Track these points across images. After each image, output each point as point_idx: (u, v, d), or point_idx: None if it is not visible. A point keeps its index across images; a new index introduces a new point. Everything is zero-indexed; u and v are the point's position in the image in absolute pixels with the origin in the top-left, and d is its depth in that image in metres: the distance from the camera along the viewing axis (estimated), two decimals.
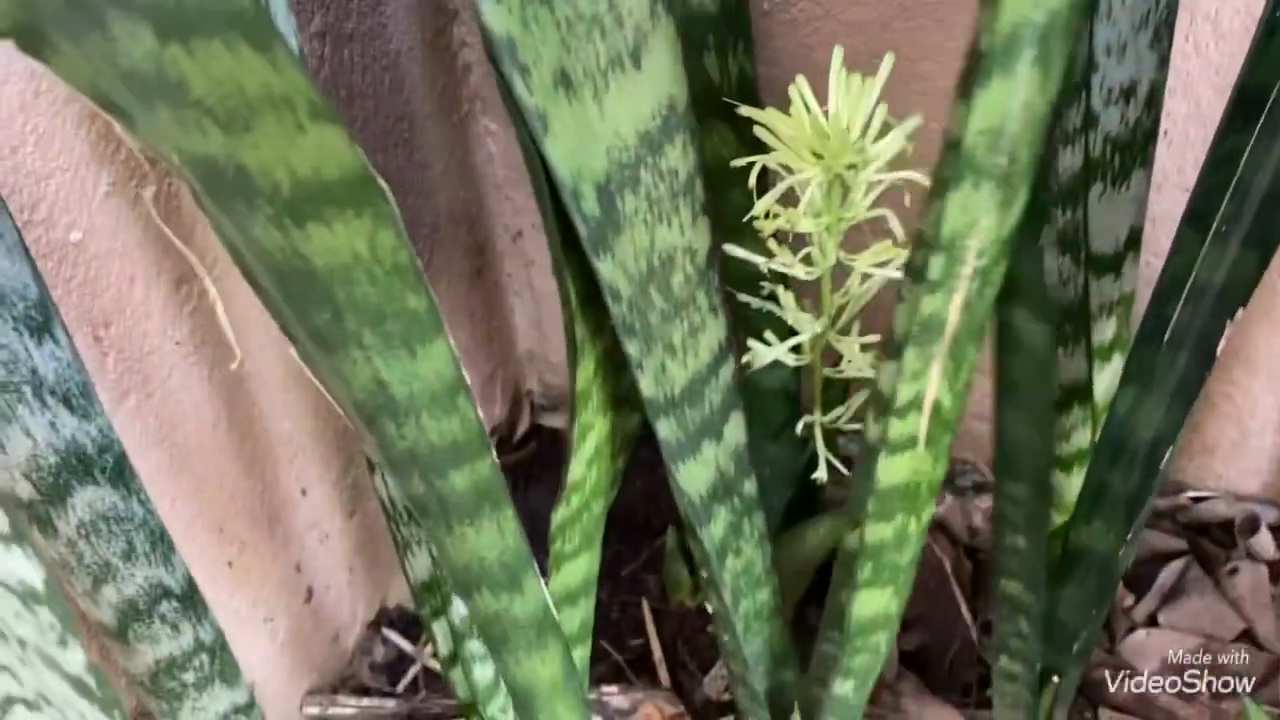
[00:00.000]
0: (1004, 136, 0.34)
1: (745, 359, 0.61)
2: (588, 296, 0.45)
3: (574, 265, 0.44)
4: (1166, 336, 0.53)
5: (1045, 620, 0.60)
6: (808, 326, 0.59)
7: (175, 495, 0.60)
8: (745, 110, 0.47)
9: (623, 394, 0.51)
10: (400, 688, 0.76)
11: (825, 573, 0.78)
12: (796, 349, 0.62)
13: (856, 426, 0.67)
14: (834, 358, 0.62)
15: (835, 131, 0.47)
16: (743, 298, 0.61)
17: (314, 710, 0.72)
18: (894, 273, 0.55)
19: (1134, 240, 0.60)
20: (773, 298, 0.60)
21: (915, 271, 0.39)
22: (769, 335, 0.61)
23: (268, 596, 0.68)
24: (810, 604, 0.79)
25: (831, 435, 0.70)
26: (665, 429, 0.48)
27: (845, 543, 0.51)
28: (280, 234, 0.30)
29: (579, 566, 0.54)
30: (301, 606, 0.71)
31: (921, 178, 0.50)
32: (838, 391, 0.69)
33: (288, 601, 0.70)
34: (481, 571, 0.41)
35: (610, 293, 0.43)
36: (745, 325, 0.64)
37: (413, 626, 0.80)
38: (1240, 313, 0.51)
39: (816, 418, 0.65)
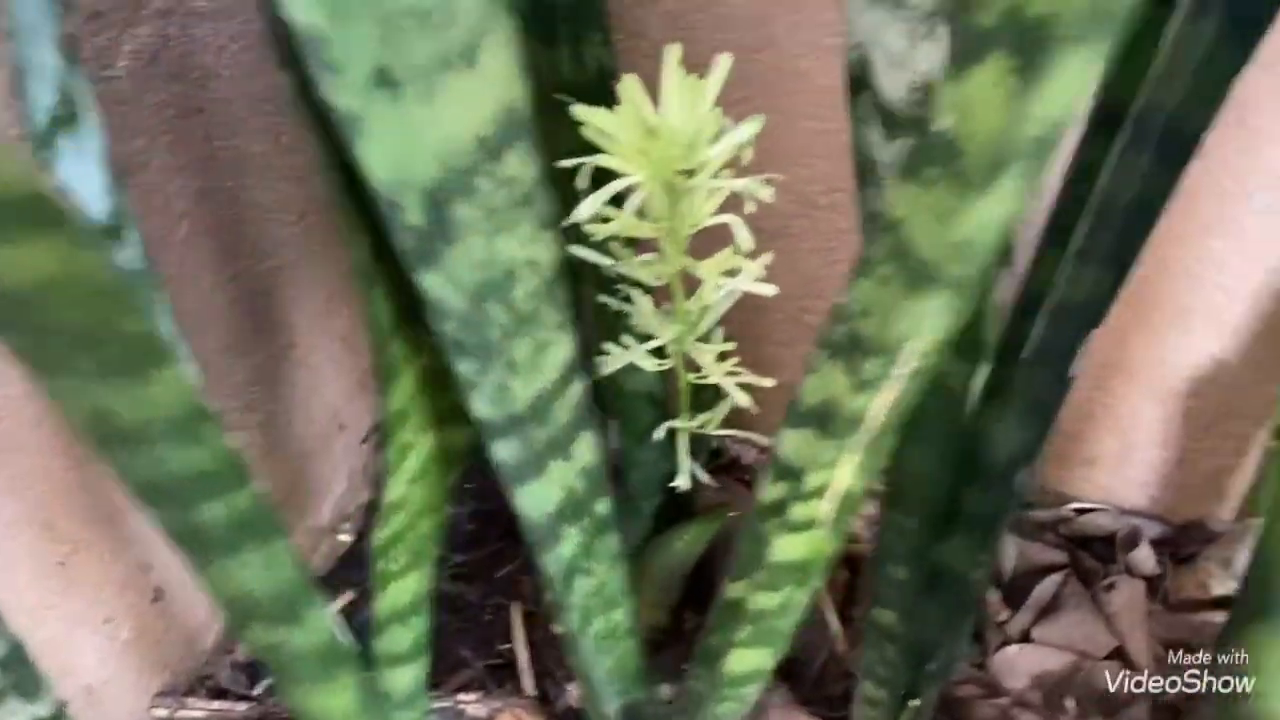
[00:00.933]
0: (974, 249, 0.32)
1: (596, 360, 0.59)
2: (403, 314, 0.43)
3: (389, 280, 0.41)
4: (1027, 353, 0.51)
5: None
6: (661, 331, 0.57)
7: None
8: (576, 109, 0.44)
9: (449, 410, 0.48)
10: (259, 689, 0.73)
11: (703, 572, 0.77)
12: (658, 353, 0.60)
13: (726, 433, 0.65)
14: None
15: (663, 133, 0.44)
16: (602, 299, 0.58)
17: (162, 712, 0.70)
18: (749, 285, 0.52)
19: (1004, 249, 0.58)
20: (630, 300, 0.58)
21: (831, 346, 0.38)
22: (626, 338, 0.59)
23: (108, 597, 0.65)
24: (687, 607, 0.77)
25: (704, 438, 0.68)
26: (504, 450, 0.46)
27: (728, 591, 0.49)
28: None
29: (407, 586, 0.51)
30: (149, 606, 0.68)
31: (758, 186, 0.48)
32: (710, 395, 0.67)
33: (132, 601, 0.67)
34: (251, 606, 0.38)
35: (436, 310, 0.40)
36: (609, 328, 0.62)
37: None
38: (1093, 333, 0.50)
39: (681, 424, 0.63)
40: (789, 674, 0.71)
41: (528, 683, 0.72)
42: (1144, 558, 0.73)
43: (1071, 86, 0.29)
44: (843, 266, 0.76)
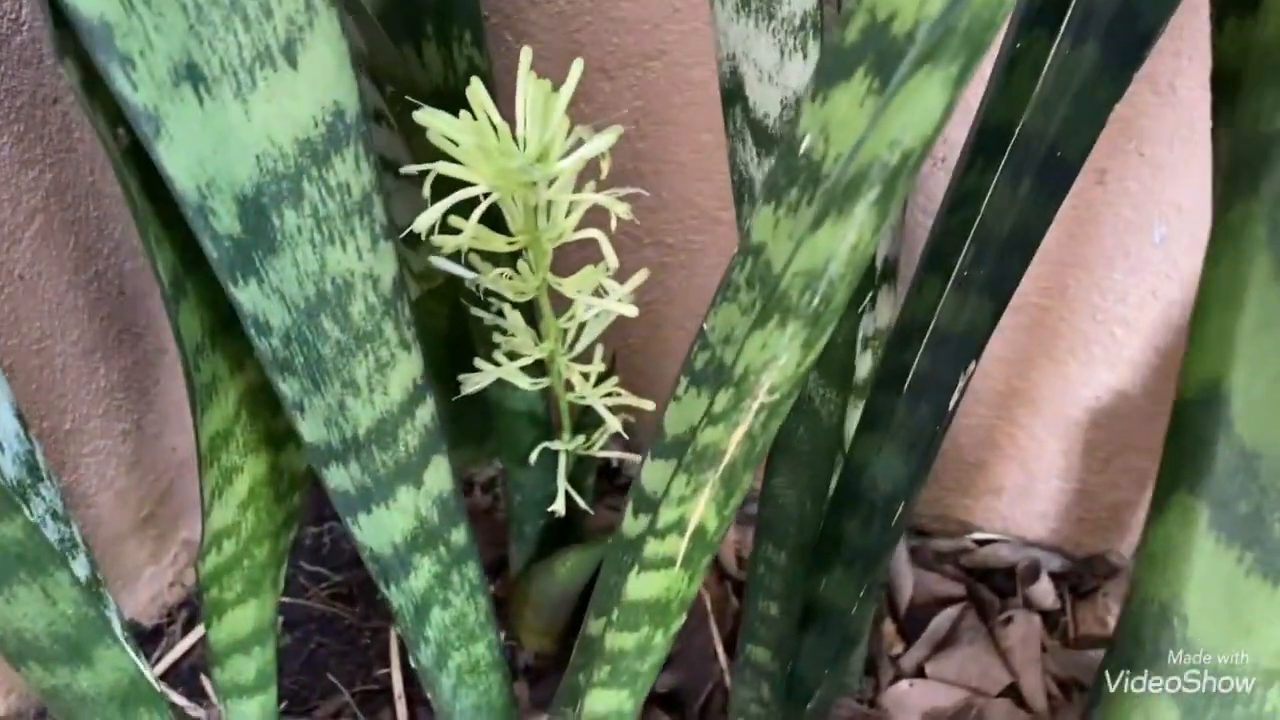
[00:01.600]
0: (824, 279, 0.29)
1: (461, 378, 0.56)
2: (222, 326, 0.39)
3: (195, 294, 0.38)
4: (906, 384, 0.49)
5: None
6: (531, 350, 0.54)
7: None
8: (419, 114, 0.42)
9: (284, 430, 0.45)
10: None
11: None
12: (538, 371, 0.57)
13: (610, 454, 0.63)
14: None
15: (504, 144, 0.41)
16: (476, 312, 0.55)
17: None
18: (612, 305, 0.50)
19: (890, 272, 0.56)
20: (503, 315, 0.55)
21: (692, 374, 0.36)
22: (498, 355, 0.56)
23: None
24: (574, 634, 0.74)
25: (591, 458, 0.65)
26: (339, 477, 0.43)
27: (588, 627, 0.47)
28: None
29: (246, 615, 0.48)
30: None
31: (611, 202, 0.45)
32: (594, 413, 0.64)
33: None
34: (24, 646, 0.35)
35: (255, 324, 0.37)
36: (485, 342, 0.59)
37: (146, 642, 0.74)
38: (974, 366, 0.48)
39: (560, 445, 0.61)
40: (674, 705, 0.68)
41: (401, 711, 0.69)
42: (1044, 592, 0.72)
43: (929, 110, 0.26)
44: None
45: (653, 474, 0.40)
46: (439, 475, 0.46)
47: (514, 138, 0.43)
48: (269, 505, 0.46)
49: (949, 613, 0.71)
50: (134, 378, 0.70)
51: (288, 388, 0.39)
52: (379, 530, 0.45)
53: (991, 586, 0.73)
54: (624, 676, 0.44)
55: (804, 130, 0.31)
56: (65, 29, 0.32)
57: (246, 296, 0.36)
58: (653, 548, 0.38)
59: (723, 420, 0.34)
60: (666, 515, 0.37)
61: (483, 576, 0.51)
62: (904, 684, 0.67)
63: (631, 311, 0.47)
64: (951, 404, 0.48)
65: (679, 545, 0.38)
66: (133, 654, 0.38)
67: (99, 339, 0.67)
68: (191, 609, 0.77)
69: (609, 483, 0.81)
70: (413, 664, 0.52)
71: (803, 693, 0.56)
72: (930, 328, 0.48)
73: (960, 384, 0.48)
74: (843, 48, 0.29)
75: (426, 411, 0.44)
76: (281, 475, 0.46)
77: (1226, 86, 0.33)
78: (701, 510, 0.36)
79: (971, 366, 0.48)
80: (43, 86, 0.58)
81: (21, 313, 0.61)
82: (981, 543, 0.76)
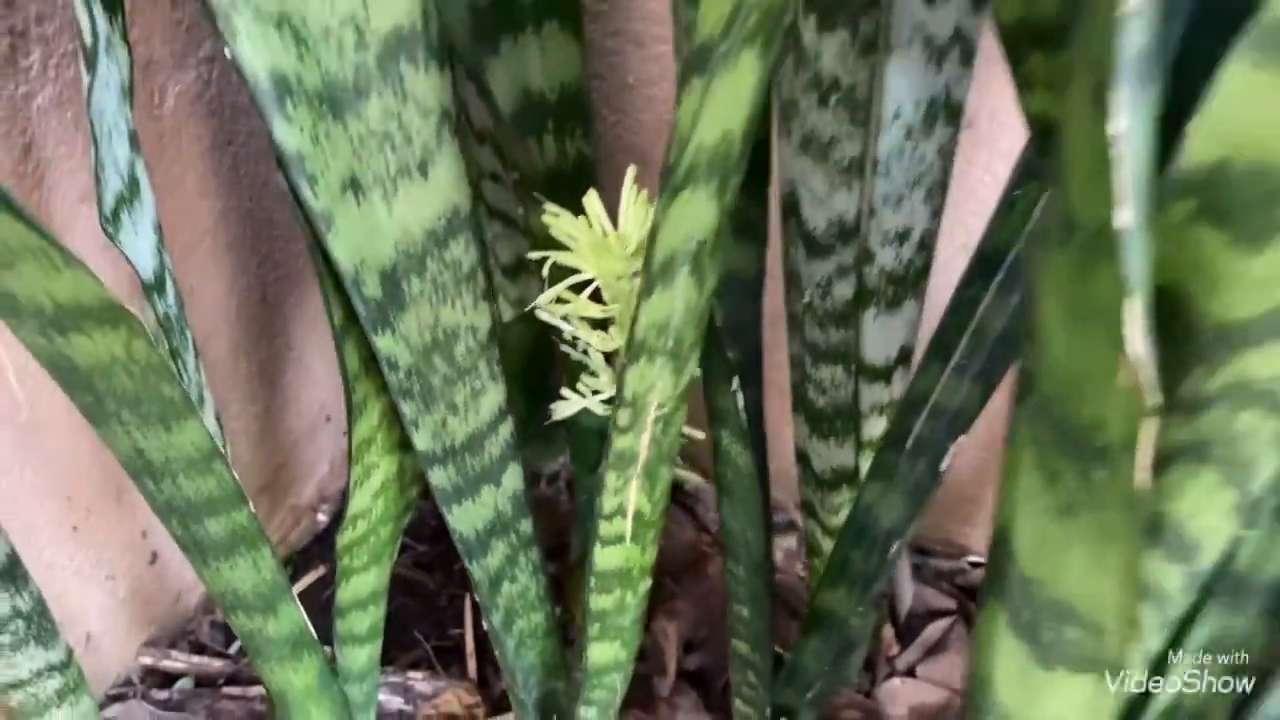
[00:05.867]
0: (670, 328, 0.41)
1: (552, 407, 0.68)
2: (370, 361, 0.52)
3: (354, 338, 0.50)
4: (908, 445, 0.60)
5: (788, 667, 0.68)
6: (610, 389, 0.65)
7: (25, 466, 0.66)
8: (547, 209, 0.53)
9: (408, 440, 0.58)
10: (233, 649, 0.83)
11: None
12: (609, 400, 0.69)
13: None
14: None
15: (614, 242, 0.53)
16: (565, 349, 0.67)
17: (148, 660, 0.79)
18: None
19: (905, 356, 0.67)
20: (588, 354, 0.67)
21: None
22: (582, 386, 0.67)
23: (111, 557, 0.75)
24: None
25: None
26: (440, 476, 0.55)
27: (586, 594, 0.59)
28: (46, 340, 0.37)
29: (367, 580, 0.61)
30: (146, 567, 0.78)
31: None
32: None
33: (131, 562, 0.77)
34: (237, 599, 0.48)
35: (388, 363, 0.50)
36: (568, 372, 0.71)
37: None
38: (963, 437, 0.58)
39: None
40: (700, 682, 0.80)
41: (471, 666, 0.82)
42: None
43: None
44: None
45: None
46: (513, 478, 0.59)
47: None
48: (394, 495, 0.58)
49: (941, 624, 0.82)
50: (266, 369, 0.83)
51: (408, 409, 0.51)
52: (467, 518, 0.57)
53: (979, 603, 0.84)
54: (611, 631, 0.56)
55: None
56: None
57: (383, 343, 0.48)
58: (605, 528, 0.50)
59: (630, 431, 0.45)
60: (610, 502, 0.49)
61: (543, 559, 0.63)
62: (896, 681, 0.78)
63: None
64: (943, 466, 0.59)
65: (624, 526, 0.50)
66: (301, 611, 0.51)
67: (242, 337, 0.80)
68: (292, 568, 0.90)
69: None
70: (485, 626, 0.64)
71: (804, 683, 0.68)
72: (930, 403, 0.58)
73: (950, 450, 0.59)
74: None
75: (507, 429, 0.57)
76: (405, 473, 0.59)
77: None
78: (634, 498, 0.48)
79: (961, 438, 0.58)
80: (221, 134, 0.71)
81: (187, 318, 0.74)
82: (976, 565, 0.87)
